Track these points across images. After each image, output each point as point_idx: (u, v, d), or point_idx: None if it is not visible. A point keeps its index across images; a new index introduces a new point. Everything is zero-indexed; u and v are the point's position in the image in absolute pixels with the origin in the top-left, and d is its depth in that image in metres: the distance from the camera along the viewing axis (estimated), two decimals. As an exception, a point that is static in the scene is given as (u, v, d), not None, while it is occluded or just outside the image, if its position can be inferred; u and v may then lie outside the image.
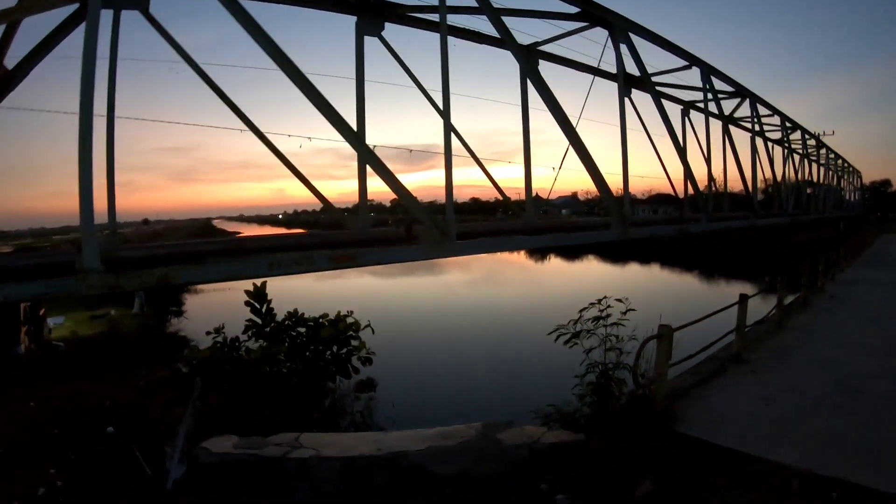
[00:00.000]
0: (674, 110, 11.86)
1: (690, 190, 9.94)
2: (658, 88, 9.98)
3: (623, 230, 6.93)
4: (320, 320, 10.93)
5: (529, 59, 8.08)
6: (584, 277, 38.72)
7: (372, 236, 6.15)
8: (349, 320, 11.08)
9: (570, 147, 6.90)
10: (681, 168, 9.57)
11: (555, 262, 52.05)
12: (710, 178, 10.42)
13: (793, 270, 14.50)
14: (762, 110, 12.37)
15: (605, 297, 6.70)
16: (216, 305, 27.16)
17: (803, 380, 7.50)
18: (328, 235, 7.06)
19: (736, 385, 7.53)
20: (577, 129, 6.95)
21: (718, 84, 10.54)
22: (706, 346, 8.13)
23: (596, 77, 9.87)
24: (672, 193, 10.65)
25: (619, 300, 6.67)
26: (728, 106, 12.17)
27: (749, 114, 11.77)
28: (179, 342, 17.38)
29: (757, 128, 12.23)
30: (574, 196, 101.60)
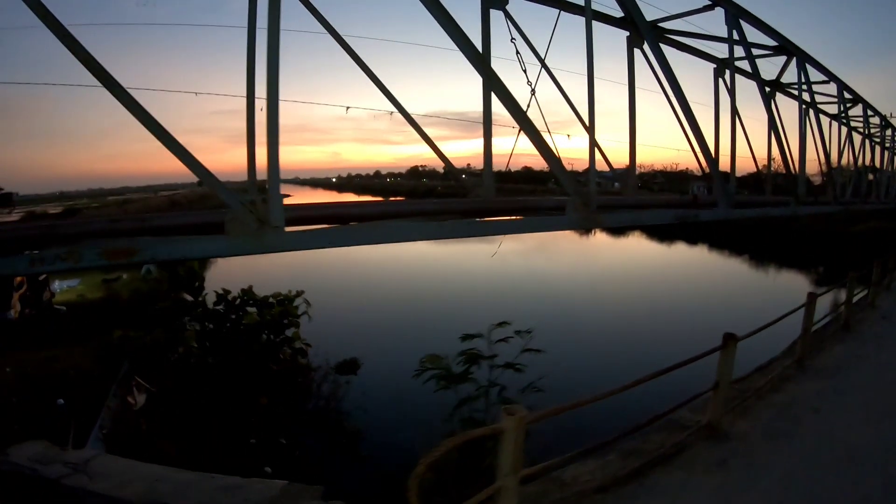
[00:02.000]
0: (705, 69, 9.71)
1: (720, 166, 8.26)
2: (671, 36, 8.17)
3: (585, 216, 5.45)
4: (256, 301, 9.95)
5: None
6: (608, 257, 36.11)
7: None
8: (297, 303, 10.10)
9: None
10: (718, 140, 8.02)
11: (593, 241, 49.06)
12: (732, 152, 8.38)
13: (852, 262, 13.08)
14: (814, 75, 9.99)
15: (505, 323, 5.25)
16: (245, 270, 27.00)
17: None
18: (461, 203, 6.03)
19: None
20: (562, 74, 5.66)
21: (753, 34, 8.44)
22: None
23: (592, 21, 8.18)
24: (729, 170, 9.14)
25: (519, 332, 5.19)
26: (770, 67, 9.92)
27: (796, 78, 9.47)
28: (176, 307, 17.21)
29: (807, 96, 9.90)
30: (613, 170, 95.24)
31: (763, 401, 5.62)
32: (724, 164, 8.55)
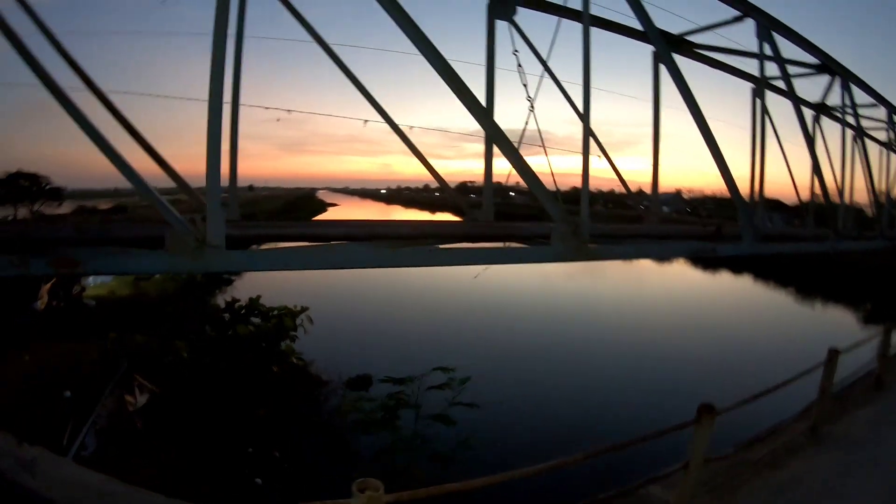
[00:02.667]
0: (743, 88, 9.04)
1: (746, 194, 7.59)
2: (701, 52, 7.60)
3: (575, 246, 4.96)
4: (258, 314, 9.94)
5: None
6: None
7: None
8: (301, 317, 10.03)
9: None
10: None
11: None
12: (759, 178, 7.65)
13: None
14: (861, 97, 9.03)
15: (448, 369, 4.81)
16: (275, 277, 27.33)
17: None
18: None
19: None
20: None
21: (792, 51, 7.70)
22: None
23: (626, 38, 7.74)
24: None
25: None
26: (814, 88, 9.07)
27: (840, 100, 8.58)
28: (198, 307, 17.50)
29: (852, 120, 8.96)
30: (678, 193, 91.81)
31: (759, 479, 4.66)
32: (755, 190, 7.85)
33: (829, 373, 5.63)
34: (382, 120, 4.96)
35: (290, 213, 71.82)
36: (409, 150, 5.76)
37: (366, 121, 7.67)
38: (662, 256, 6.44)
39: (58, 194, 39.12)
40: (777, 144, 8.70)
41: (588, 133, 5.02)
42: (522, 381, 13.88)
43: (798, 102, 7.63)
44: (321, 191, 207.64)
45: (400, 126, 5.31)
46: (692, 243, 6.56)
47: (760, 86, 7.54)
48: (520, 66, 6.21)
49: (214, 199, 3.99)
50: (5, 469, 4.35)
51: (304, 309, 10.55)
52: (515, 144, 5.65)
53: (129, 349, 9.61)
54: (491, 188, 6.16)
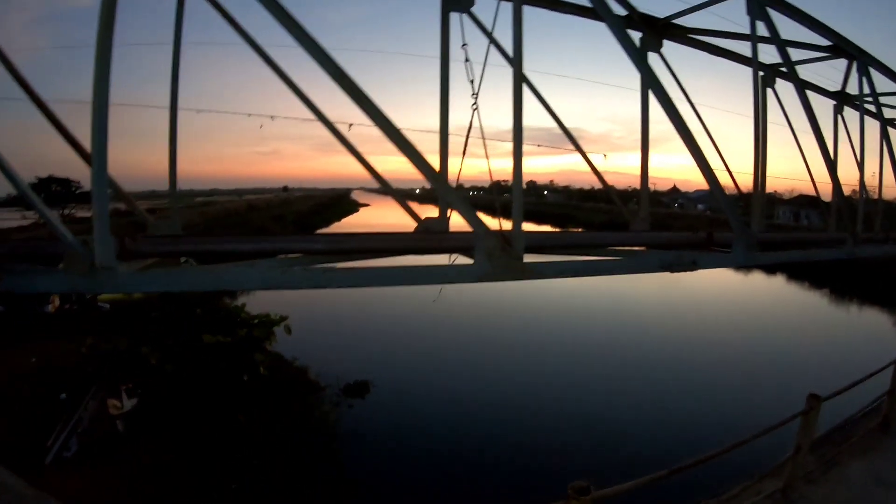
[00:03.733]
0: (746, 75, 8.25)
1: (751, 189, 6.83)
2: (695, 37, 6.99)
3: (504, 263, 4.43)
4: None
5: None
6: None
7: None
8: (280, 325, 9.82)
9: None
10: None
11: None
12: (759, 174, 6.86)
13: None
14: (883, 84, 7.94)
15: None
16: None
17: None
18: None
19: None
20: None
21: (801, 33, 6.84)
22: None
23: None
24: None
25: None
26: (832, 73, 8.07)
27: (858, 87, 7.54)
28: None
29: (872, 108, 7.92)
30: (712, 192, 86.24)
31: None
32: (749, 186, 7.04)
33: (809, 424, 4.68)
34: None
35: (321, 213, 72.54)
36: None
37: (350, 125, 7.39)
38: (614, 272, 5.67)
39: (88, 198, 40.81)
40: (792, 136, 7.88)
41: (520, 135, 4.47)
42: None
43: (802, 87, 6.75)
44: (356, 190, 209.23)
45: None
46: (665, 255, 5.78)
47: (754, 68, 6.75)
48: (468, 60, 5.73)
49: (102, 218, 3.75)
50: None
51: (282, 318, 10.44)
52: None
53: (101, 355, 9.71)
54: (452, 192, 5.41)
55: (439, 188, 4.18)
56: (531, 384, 13.88)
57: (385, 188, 5.61)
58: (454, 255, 4.96)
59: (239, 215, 55.49)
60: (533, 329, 19.55)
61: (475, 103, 5.35)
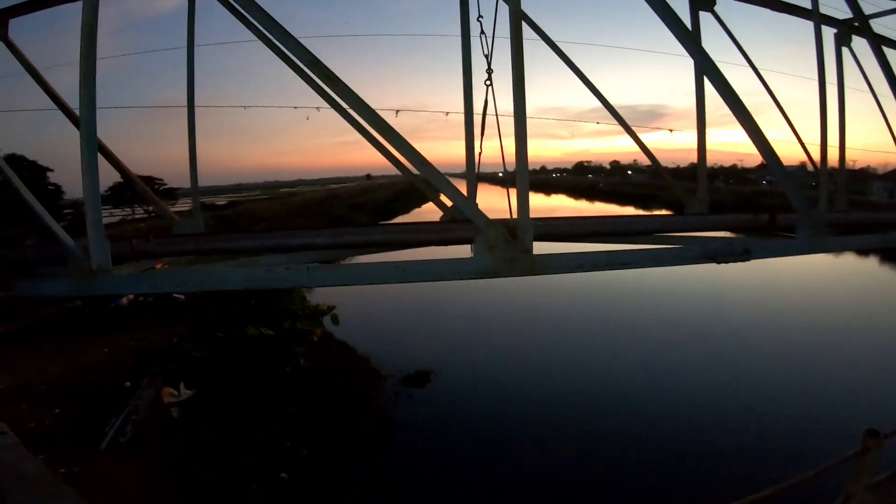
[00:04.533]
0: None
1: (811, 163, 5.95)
2: None
3: (510, 256, 3.99)
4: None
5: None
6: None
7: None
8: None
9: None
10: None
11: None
12: (834, 147, 5.91)
13: None
14: None
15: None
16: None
17: None
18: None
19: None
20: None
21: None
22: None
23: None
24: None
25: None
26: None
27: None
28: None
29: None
30: (802, 167, 77.11)
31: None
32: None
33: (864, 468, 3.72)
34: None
35: (400, 200, 71.93)
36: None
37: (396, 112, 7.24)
38: (647, 265, 4.79)
39: (172, 194, 44.03)
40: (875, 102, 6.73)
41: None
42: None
43: (878, 44, 5.71)
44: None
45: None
46: (710, 242, 4.95)
47: (818, 23, 5.87)
48: (483, 32, 5.28)
49: (96, 222, 3.79)
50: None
51: (330, 308, 10.55)
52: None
53: (146, 349, 10.28)
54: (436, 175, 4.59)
55: (425, 172, 3.81)
56: (610, 371, 13.11)
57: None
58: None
59: (320, 205, 57.06)
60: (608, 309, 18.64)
61: (489, 79, 4.90)
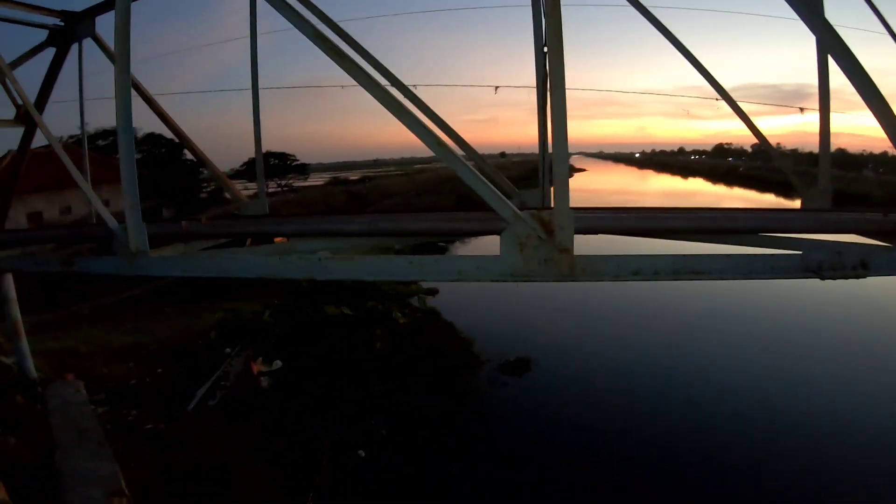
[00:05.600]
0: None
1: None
2: None
3: (538, 258, 3.40)
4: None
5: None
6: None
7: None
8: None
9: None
10: None
11: None
12: None
13: None
14: None
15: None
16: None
17: None
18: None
19: None
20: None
21: None
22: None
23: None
24: None
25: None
26: None
27: None
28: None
29: None
30: None
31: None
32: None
33: None
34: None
35: (531, 178, 70.62)
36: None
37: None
38: (724, 276, 3.54)
39: (304, 169, 47.41)
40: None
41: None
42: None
43: None
44: (574, 156, 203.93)
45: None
46: (814, 252, 3.79)
47: None
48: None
49: (134, 207, 4.01)
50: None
51: (419, 289, 10.67)
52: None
53: (228, 322, 11.07)
54: (455, 159, 3.79)
55: (442, 155, 3.42)
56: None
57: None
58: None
59: (448, 182, 58.47)
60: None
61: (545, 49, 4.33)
